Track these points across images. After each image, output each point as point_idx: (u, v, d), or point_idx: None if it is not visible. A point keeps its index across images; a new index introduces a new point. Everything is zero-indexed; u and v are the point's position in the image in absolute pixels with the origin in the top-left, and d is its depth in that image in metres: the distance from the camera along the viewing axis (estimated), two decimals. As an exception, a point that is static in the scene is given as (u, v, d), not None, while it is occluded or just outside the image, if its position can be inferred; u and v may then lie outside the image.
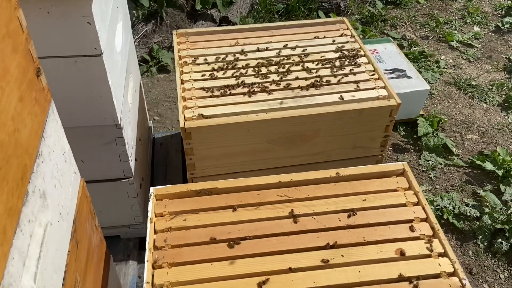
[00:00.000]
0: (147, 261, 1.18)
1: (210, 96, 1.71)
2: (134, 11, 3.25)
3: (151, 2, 3.32)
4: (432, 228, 1.24)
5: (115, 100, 1.43)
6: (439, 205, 2.31)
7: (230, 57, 1.90)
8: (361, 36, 3.53)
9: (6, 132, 0.76)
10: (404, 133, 2.76)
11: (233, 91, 1.73)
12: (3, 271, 0.70)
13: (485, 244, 2.17)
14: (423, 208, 1.30)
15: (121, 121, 1.50)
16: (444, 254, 1.19)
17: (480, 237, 2.18)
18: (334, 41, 2.02)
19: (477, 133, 2.79)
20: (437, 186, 2.47)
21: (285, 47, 1.98)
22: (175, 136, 2.42)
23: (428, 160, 2.58)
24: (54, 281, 0.92)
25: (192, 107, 1.66)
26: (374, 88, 1.75)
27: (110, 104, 1.41)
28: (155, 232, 1.27)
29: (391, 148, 2.67)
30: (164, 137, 2.41)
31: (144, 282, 1.14)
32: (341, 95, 1.71)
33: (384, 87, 1.76)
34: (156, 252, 1.20)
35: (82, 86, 1.34)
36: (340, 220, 1.28)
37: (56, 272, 0.94)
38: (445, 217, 2.26)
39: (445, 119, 2.81)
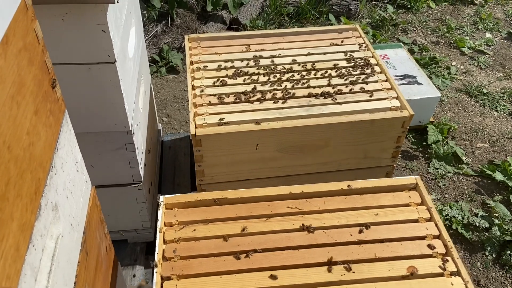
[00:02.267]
0: (156, 272, 1.17)
1: (221, 103, 1.70)
2: (145, 12, 3.24)
3: (162, 3, 3.31)
4: (445, 245, 1.23)
5: (127, 106, 1.42)
6: (448, 214, 2.28)
7: (241, 64, 1.89)
8: (371, 40, 3.50)
9: (21, 147, 0.75)
10: (413, 140, 2.74)
11: (244, 98, 1.71)
12: (16, 288, 0.69)
13: (494, 255, 2.15)
14: (436, 225, 1.28)
15: (132, 127, 1.49)
16: (457, 273, 1.17)
17: (489, 248, 2.16)
18: (346, 49, 2.00)
19: (487, 142, 2.76)
20: (446, 195, 2.44)
21: (297, 54, 1.96)
22: (184, 140, 2.42)
23: (437, 168, 2.56)
24: (64, 294, 0.91)
25: (203, 114, 1.65)
26: (387, 98, 1.73)
27: (122, 111, 1.40)
28: (165, 242, 1.26)
29: (400, 155, 2.65)
30: (173, 140, 2.40)
31: (153, 293, 1.13)
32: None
33: (397, 98, 1.74)
34: (165, 264, 1.20)
35: (94, 93, 1.34)
36: (351, 235, 1.26)
37: (66, 284, 0.94)
38: (453, 227, 2.24)
39: (455, 127, 2.78)
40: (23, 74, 0.78)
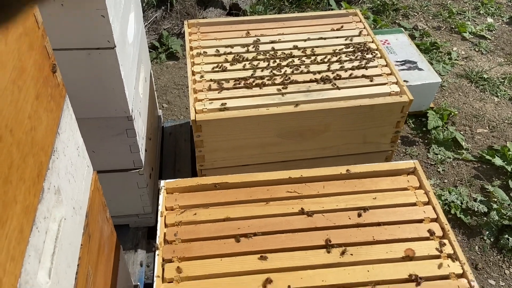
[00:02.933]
0: (158, 255, 1.19)
1: (221, 89, 1.70)
2: (144, -3, 3.22)
3: (161, -12, 3.28)
4: (443, 228, 1.24)
5: (127, 92, 1.43)
6: (446, 199, 2.30)
7: (241, 49, 1.89)
8: (372, 25, 3.48)
9: (23, 131, 0.76)
10: (413, 125, 2.75)
11: (244, 84, 1.72)
12: (20, 269, 0.71)
13: (492, 240, 2.17)
14: (434, 208, 1.30)
15: (132, 112, 1.50)
16: (453, 255, 1.19)
17: (487, 232, 2.18)
18: (346, 34, 2.00)
19: (487, 127, 2.76)
20: (445, 180, 2.46)
21: (297, 39, 1.95)
22: (184, 126, 2.42)
23: (437, 154, 2.57)
24: (67, 275, 0.93)
25: (203, 99, 1.65)
26: (386, 83, 1.73)
27: (122, 97, 1.41)
28: (166, 226, 1.28)
29: (399, 141, 2.65)
30: (173, 126, 2.41)
31: (155, 276, 1.16)
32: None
33: (396, 83, 1.74)
34: (167, 246, 1.22)
35: (94, 78, 1.34)
36: (350, 219, 1.28)
37: (70, 266, 0.96)
38: (452, 211, 2.26)
39: (455, 112, 2.78)
40: (24, 59, 0.79)
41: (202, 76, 1.74)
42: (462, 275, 1.15)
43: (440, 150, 2.58)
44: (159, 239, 1.23)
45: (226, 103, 1.63)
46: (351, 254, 1.20)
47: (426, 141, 2.66)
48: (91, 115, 1.45)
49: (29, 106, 0.80)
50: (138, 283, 1.67)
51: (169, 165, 2.18)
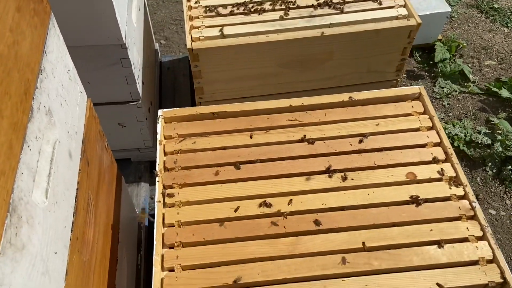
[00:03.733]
0: (158, 181, 1.19)
1: (218, 15, 1.62)
2: None
3: None
4: (446, 152, 1.22)
5: (119, 17, 1.36)
6: (450, 132, 2.27)
7: (239, -27, 1.77)
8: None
9: (5, 44, 0.72)
10: (420, 59, 2.66)
11: (242, 10, 1.63)
12: (12, 185, 0.70)
13: (494, 171, 2.17)
14: (437, 133, 1.27)
15: (125, 40, 1.44)
16: (455, 178, 1.18)
17: (490, 164, 2.17)
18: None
19: (495, 59, 2.67)
20: (450, 114, 2.42)
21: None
22: (183, 60, 2.36)
23: (442, 87, 2.51)
24: (66, 197, 0.93)
25: (199, 26, 1.58)
26: (393, 6, 1.64)
27: (114, 22, 1.34)
28: (165, 154, 1.26)
29: (405, 75, 2.58)
30: (171, 61, 2.34)
31: (156, 201, 1.16)
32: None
33: (404, 6, 1.65)
34: (167, 173, 1.21)
35: (83, 1, 1.27)
36: (351, 145, 1.26)
37: (68, 189, 0.95)
38: (455, 144, 2.23)
39: (464, 44, 2.68)
40: (-1, -34, 0.73)
41: (197, 2, 1.65)
42: (463, 197, 1.14)
43: (446, 84, 2.52)
44: (158, 166, 1.22)
45: (223, 30, 1.56)
46: (352, 179, 1.19)
47: (432, 74, 2.59)
48: (83, 43, 1.40)
49: (10, 18, 0.75)
50: (145, 211, 1.70)
51: (168, 100, 2.14)
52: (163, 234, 1.10)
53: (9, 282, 0.65)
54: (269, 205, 1.13)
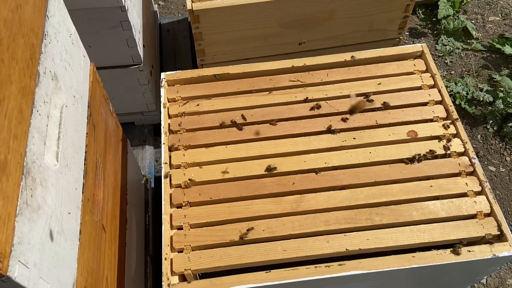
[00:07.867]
0: (164, 143, 1.21)
1: (218, -26, 1.59)
2: None
3: None
4: (447, 110, 1.24)
5: (117, -21, 1.34)
6: (452, 90, 2.27)
7: None
8: None
9: (9, 8, 0.72)
10: (423, 16, 2.61)
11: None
12: (25, 148, 0.72)
13: (495, 128, 2.18)
14: (439, 91, 1.28)
15: (125, 2, 1.42)
16: (456, 135, 1.20)
17: (491, 121, 2.19)
18: None
19: (499, 15, 2.63)
20: (452, 72, 2.41)
21: None
22: (183, 22, 2.32)
23: (445, 45, 2.48)
24: (75, 160, 0.95)
25: (199, -14, 1.55)
26: (396, -38, 1.61)
27: (113, -17, 1.32)
28: (169, 116, 1.28)
29: (407, 33, 2.55)
30: (171, 23, 2.31)
31: (162, 163, 1.19)
32: None
33: (407, -39, 1.61)
34: (172, 136, 1.23)
35: (80, -38, 1.25)
36: (353, 104, 1.27)
37: (77, 152, 0.98)
38: (457, 102, 2.24)
39: (468, 0, 2.62)
40: None
41: (197, -39, 1.61)
42: (463, 153, 1.17)
43: (449, 41, 2.49)
44: (163, 129, 1.24)
45: (224, -10, 1.53)
46: (354, 138, 1.21)
47: (435, 32, 2.55)
48: (83, 6, 1.38)
49: (11, -18, 0.75)
50: (149, 175, 1.74)
51: (169, 63, 2.13)
52: (170, 195, 1.13)
53: (28, 240, 0.69)
54: (273, 168, 1.16)
